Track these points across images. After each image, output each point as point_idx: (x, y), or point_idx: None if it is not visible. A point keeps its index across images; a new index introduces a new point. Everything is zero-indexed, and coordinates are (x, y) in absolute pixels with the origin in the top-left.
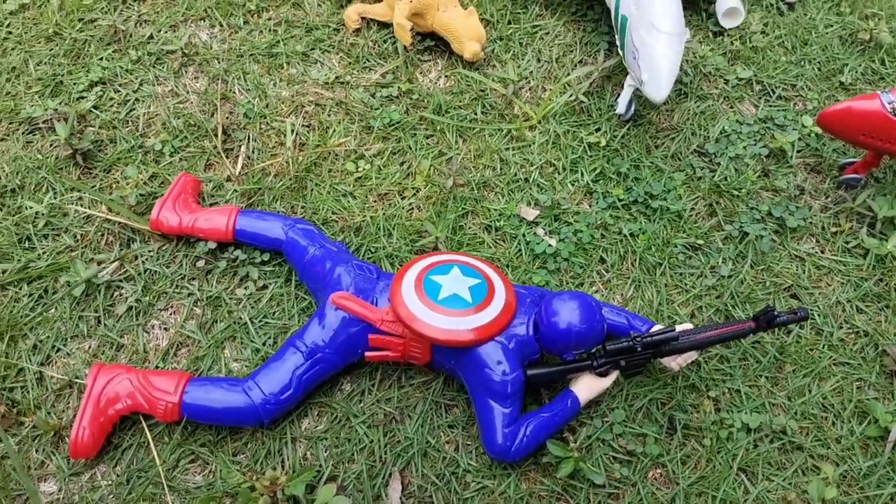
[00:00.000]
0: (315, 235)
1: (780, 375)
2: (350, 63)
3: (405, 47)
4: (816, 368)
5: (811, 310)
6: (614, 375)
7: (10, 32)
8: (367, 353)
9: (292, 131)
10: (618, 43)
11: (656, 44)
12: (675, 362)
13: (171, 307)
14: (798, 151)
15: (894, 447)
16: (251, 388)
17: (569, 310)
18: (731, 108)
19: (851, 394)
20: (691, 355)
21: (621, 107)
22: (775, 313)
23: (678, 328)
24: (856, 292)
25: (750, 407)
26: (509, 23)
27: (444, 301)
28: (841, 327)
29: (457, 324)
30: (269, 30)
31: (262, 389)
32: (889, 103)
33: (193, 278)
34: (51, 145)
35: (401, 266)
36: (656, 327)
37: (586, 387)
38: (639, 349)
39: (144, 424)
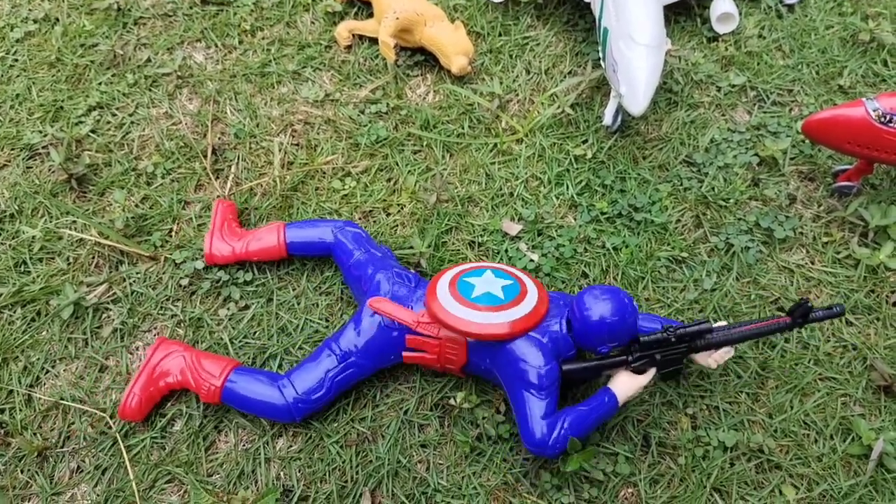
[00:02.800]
0: (362, 239)
1: (762, 391)
2: (341, 80)
3: (395, 62)
4: (800, 384)
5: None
6: (651, 372)
7: (17, 60)
8: (405, 353)
9: (280, 150)
10: (600, 55)
11: (634, 56)
12: (711, 359)
13: (155, 328)
14: (791, 159)
15: (877, 466)
16: (285, 385)
17: (601, 302)
18: (723, 115)
19: (836, 410)
20: (728, 352)
21: (608, 118)
22: (810, 306)
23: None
24: (846, 304)
25: (728, 424)
26: (500, 35)
27: (478, 299)
28: (828, 341)
29: (492, 318)
30: (263, 49)
31: (295, 388)
32: (874, 111)
33: (178, 299)
34: (49, 170)
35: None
36: None
37: (624, 384)
38: (673, 340)
39: (122, 445)
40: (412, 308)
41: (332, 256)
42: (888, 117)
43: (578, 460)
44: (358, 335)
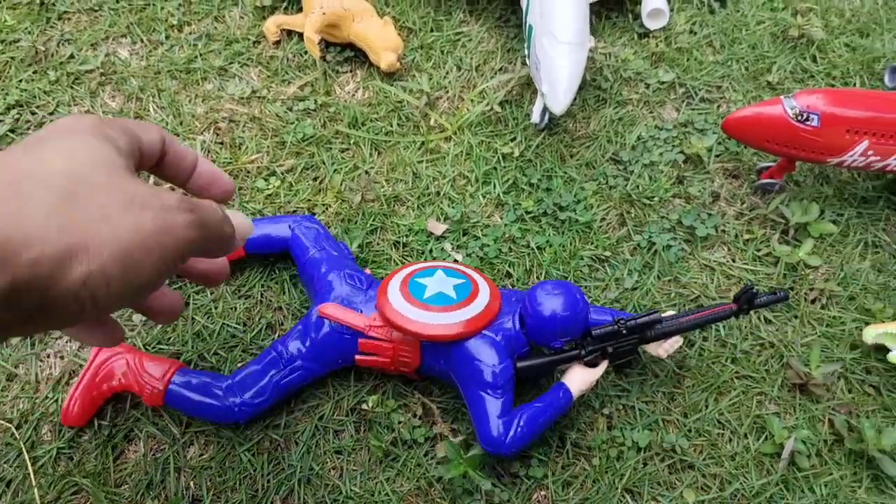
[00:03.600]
0: (320, 237)
1: (678, 391)
2: (268, 76)
3: (321, 59)
4: (717, 383)
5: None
6: (604, 365)
7: None
8: (358, 357)
9: (203, 149)
10: (526, 53)
11: (556, 55)
12: (661, 349)
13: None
14: (717, 156)
15: (789, 464)
16: (230, 388)
17: (553, 298)
18: (651, 113)
19: (750, 409)
20: (677, 341)
21: (535, 115)
22: (755, 292)
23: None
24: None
25: (643, 424)
26: (431, 30)
27: (430, 299)
28: (746, 339)
29: (444, 318)
30: (190, 44)
31: (239, 391)
32: (791, 109)
33: None
34: None
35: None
36: None
37: (577, 378)
38: (624, 332)
39: (27, 456)
40: (362, 310)
41: (290, 251)
42: (805, 115)
43: (463, 466)
44: (306, 338)
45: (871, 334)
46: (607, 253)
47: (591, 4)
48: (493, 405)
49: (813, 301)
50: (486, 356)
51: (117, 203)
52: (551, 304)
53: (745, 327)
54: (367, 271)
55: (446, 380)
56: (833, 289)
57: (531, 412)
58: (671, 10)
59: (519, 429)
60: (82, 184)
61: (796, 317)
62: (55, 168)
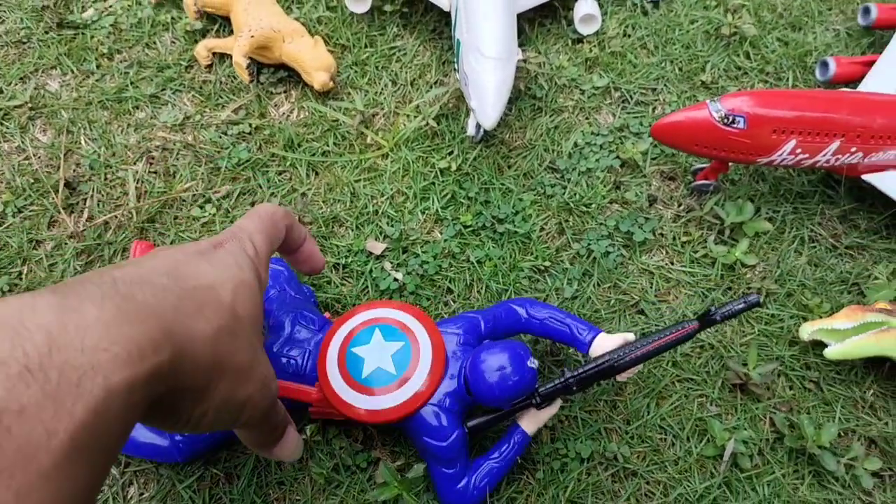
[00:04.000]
0: (282, 277)
1: (620, 398)
2: (202, 101)
3: (258, 82)
4: (658, 388)
5: (657, 324)
6: (558, 403)
7: None
8: (312, 410)
9: (135, 179)
10: (455, 67)
11: (482, 70)
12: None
13: None
14: (653, 159)
15: (730, 466)
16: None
17: (497, 370)
18: (587, 119)
19: (692, 412)
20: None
21: (471, 128)
22: (712, 311)
23: (616, 338)
24: (703, 303)
25: (586, 434)
26: (365, 46)
27: (369, 379)
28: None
29: (384, 402)
30: (121, 73)
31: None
32: (717, 112)
33: None
34: None
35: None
36: (601, 337)
37: (532, 420)
38: (574, 389)
39: None
40: (308, 354)
41: None
42: (731, 118)
43: (398, 489)
44: None
45: (807, 332)
46: (547, 263)
47: (524, 12)
48: (447, 477)
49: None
50: (433, 432)
51: (246, 360)
52: (496, 376)
53: None
54: (327, 315)
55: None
56: (770, 287)
57: (488, 470)
58: (604, 13)
59: (476, 490)
60: (240, 330)
61: (734, 317)
62: (227, 309)
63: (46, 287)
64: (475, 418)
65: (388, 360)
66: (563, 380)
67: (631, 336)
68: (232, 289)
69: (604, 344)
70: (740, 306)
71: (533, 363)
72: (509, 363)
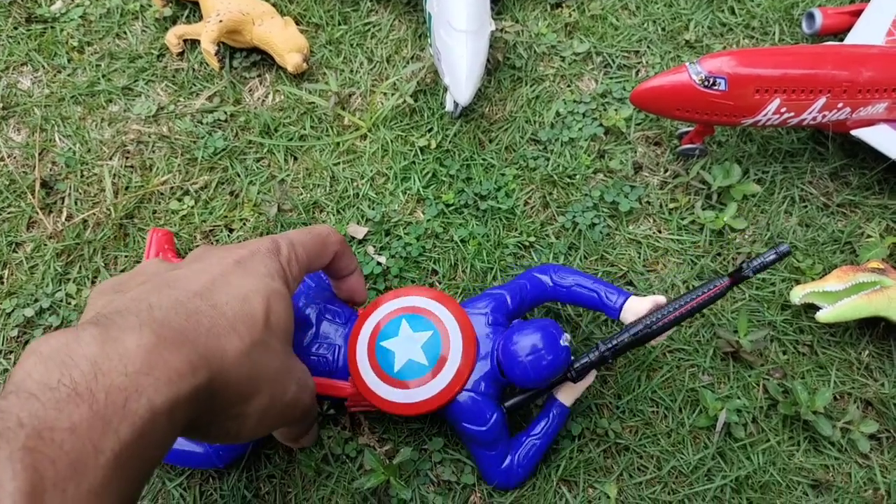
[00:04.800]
0: None
1: (610, 373)
2: (175, 90)
3: (231, 67)
4: (648, 360)
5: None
6: (594, 374)
7: None
8: (348, 404)
9: (112, 175)
10: (429, 43)
11: (455, 44)
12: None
13: None
14: (637, 124)
15: (724, 435)
16: None
17: (527, 352)
18: (569, 87)
19: (683, 383)
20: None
21: (449, 104)
22: (744, 266)
23: (646, 301)
24: (692, 271)
25: (576, 411)
26: (339, 24)
27: (401, 373)
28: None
29: (419, 394)
30: (92, 66)
31: None
32: (697, 75)
33: (10, 352)
34: None
35: None
36: (631, 301)
37: (568, 391)
38: (611, 361)
39: None
40: (339, 350)
41: None
42: (712, 80)
43: (385, 475)
44: None
45: (798, 295)
46: (532, 238)
47: None
48: (490, 459)
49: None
50: (472, 418)
51: (280, 368)
52: (529, 358)
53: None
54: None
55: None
56: (760, 251)
57: (530, 447)
58: None
59: (521, 468)
60: (272, 341)
61: None
62: (260, 322)
63: (88, 319)
64: (511, 398)
65: (418, 352)
66: (598, 352)
67: (662, 299)
68: (263, 299)
69: (635, 308)
70: (771, 257)
71: (566, 340)
72: (542, 343)
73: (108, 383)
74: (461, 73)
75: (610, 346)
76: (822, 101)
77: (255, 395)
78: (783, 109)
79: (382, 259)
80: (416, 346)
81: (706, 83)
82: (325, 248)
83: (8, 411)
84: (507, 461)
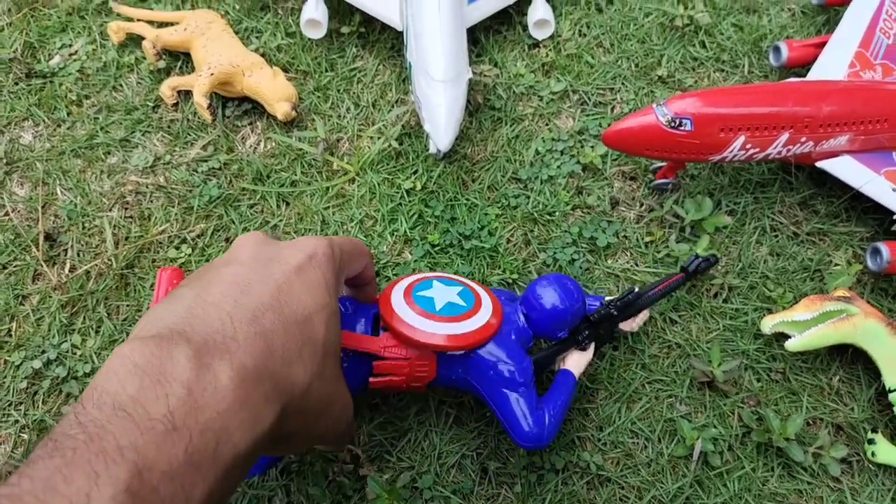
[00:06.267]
0: None
1: (591, 405)
2: (171, 140)
3: (223, 116)
4: (627, 391)
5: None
6: (593, 347)
7: None
8: (372, 380)
9: (112, 226)
10: (411, 89)
11: (433, 94)
12: (634, 323)
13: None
14: (614, 160)
15: (701, 464)
16: None
17: (555, 292)
18: (547, 125)
19: (662, 413)
20: (645, 314)
21: (432, 147)
22: (692, 261)
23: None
24: (668, 303)
25: (559, 445)
26: (326, 70)
27: (443, 311)
28: (654, 343)
29: (467, 327)
30: (90, 119)
31: None
32: (664, 116)
33: (20, 403)
34: None
35: None
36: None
37: (576, 362)
38: (615, 314)
39: None
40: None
41: None
42: (678, 121)
43: (388, 500)
44: None
45: (768, 325)
46: (515, 275)
47: (478, 23)
48: (523, 403)
49: (714, 296)
50: (508, 356)
51: (331, 394)
52: (554, 298)
53: (652, 331)
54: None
55: (462, 388)
56: (732, 282)
57: (553, 402)
58: (558, 15)
59: (550, 419)
60: (327, 369)
61: (699, 315)
62: (320, 349)
63: (174, 325)
64: (537, 353)
65: (455, 297)
66: (605, 309)
67: (635, 288)
68: (323, 322)
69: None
70: (708, 263)
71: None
72: (566, 288)
73: (202, 421)
74: (440, 121)
75: (617, 303)
76: (785, 136)
77: (311, 420)
78: (748, 146)
79: None
80: (453, 293)
81: (672, 124)
82: (361, 256)
83: (104, 428)
84: (539, 411)
